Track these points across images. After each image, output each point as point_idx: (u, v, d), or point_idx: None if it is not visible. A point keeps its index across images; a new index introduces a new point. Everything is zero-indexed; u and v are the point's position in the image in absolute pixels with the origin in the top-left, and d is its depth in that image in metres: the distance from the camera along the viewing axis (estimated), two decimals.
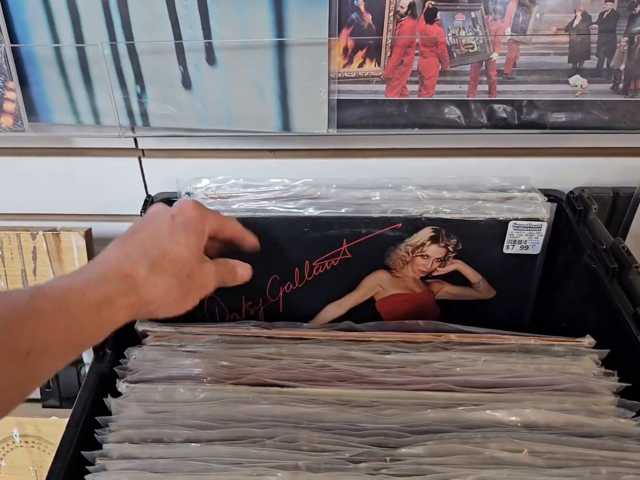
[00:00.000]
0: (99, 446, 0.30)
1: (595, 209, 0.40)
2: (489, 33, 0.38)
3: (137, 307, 0.28)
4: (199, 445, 0.29)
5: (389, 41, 0.38)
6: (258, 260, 0.37)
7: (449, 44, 0.39)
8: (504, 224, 0.40)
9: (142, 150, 0.48)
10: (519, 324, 0.45)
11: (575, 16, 0.37)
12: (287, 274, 0.43)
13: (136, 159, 0.49)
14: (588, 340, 0.34)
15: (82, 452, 0.30)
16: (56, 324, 0.24)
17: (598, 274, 0.37)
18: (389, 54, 0.39)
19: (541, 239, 0.40)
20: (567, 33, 0.38)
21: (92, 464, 0.30)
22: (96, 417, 0.31)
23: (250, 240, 0.38)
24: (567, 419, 0.29)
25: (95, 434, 0.31)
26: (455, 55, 0.39)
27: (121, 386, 0.33)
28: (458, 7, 0.38)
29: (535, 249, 0.41)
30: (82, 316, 0.25)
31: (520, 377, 0.32)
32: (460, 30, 0.38)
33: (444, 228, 0.41)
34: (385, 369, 0.33)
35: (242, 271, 0.36)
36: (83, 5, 0.39)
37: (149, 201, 0.44)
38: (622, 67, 0.39)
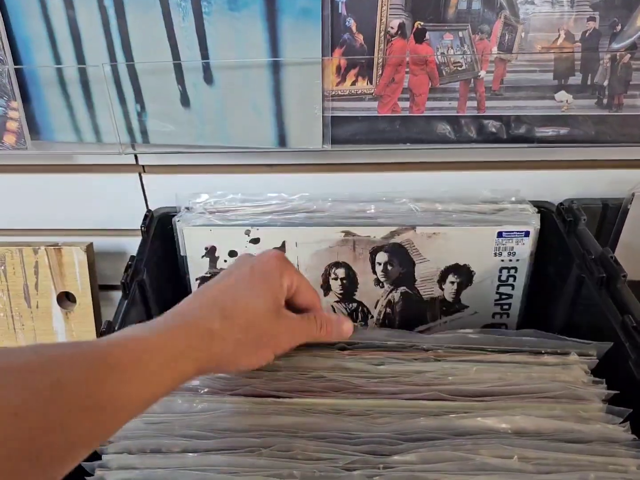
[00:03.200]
0: (98, 457, 0.31)
1: (584, 219, 0.41)
2: (477, 52, 0.39)
3: (205, 360, 0.27)
4: (196, 455, 0.30)
5: (380, 60, 0.40)
6: None
7: (438, 63, 0.40)
8: None
9: (143, 166, 0.49)
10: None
11: (559, 35, 0.39)
12: None
13: (136, 175, 0.50)
14: (573, 357, 0.35)
15: (82, 463, 0.30)
16: (132, 377, 0.24)
17: (587, 283, 0.38)
18: (380, 72, 0.40)
19: None
20: (552, 52, 0.39)
21: (91, 475, 0.30)
22: None
23: (346, 325, 0.33)
24: (557, 425, 0.30)
25: None
26: (444, 73, 0.40)
27: None
28: (446, 28, 0.39)
29: None
30: (156, 369, 0.25)
31: (511, 385, 0.32)
32: (448, 49, 0.40)
33: None
34: (379, 379, 0.33)
35: (347, 327, 0.33)
36: (84, 27, 0.40)
37: (149, 216, 0.45)
38: (605, 83, 0.40)
